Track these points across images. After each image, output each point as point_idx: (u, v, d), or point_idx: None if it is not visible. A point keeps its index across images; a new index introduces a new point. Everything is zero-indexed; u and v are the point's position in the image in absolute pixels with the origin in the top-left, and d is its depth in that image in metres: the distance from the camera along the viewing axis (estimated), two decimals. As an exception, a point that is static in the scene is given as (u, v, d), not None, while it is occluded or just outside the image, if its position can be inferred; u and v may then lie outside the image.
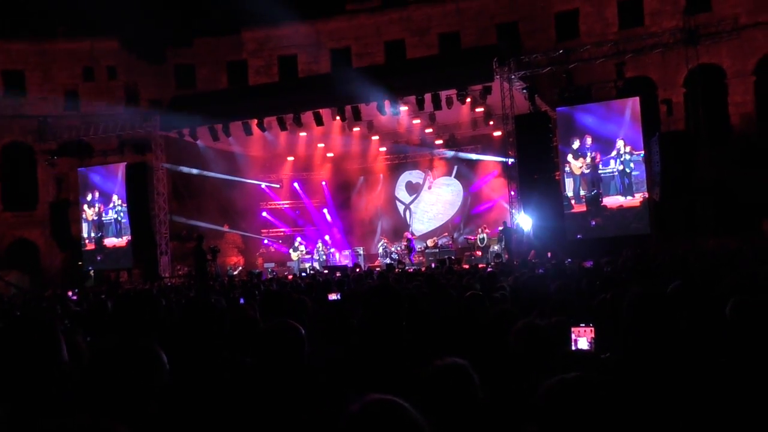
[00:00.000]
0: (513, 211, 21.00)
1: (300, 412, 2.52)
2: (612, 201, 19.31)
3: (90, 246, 25.18)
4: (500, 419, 2.90)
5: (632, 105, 19.30)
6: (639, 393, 2.76)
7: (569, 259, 15.08)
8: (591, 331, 3.08)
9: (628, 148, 19.08)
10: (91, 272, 25.53)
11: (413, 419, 1.57)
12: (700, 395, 2.83)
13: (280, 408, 2.60)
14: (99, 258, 25.05)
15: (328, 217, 29.43)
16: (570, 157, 19.80)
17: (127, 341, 2.37)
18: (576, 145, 19.73)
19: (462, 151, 26.83)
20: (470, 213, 27.35)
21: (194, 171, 24.57)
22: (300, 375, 2.80)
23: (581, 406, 2.02)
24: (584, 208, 19.63)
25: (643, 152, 18.97)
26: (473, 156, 26.24)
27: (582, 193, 19.66)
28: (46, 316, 2.25)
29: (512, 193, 21.19)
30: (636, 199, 19.07)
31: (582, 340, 3.08)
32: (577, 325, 3.11)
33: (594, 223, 19.45)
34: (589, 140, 19.57)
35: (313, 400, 2.62)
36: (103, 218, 24.89)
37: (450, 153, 26.83)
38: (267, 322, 3.26)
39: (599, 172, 19.44)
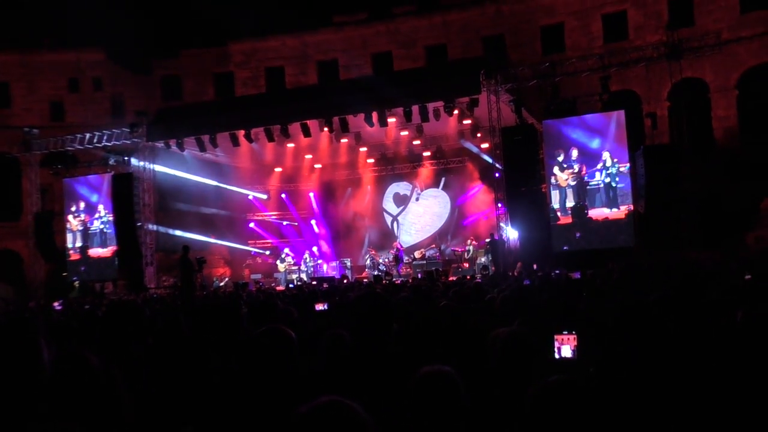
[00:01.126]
0: (500, 223, 21.08)
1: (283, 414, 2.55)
2: (597, 213, 19.45)
3: (75, 256, 25.01)
4: (485, 425, 2.94)
5: (617, 118, 19.48)
6: (623, 397, 2.81)
7: (557, 271, 15.16)
8: (574, 339, 3.12)
9: (614, 161, 19.25)
10: (76, 283, 25.35)
11: (361, 420, 1.58)
12: (689, 401, 2.88)
13: (266, 412, 2.63)
14: (83, 269, 24.87)
15: (316, 229, 29.43)
16: (556, 169, 19.94)
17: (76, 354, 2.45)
18: (562, 157, 19.88)
19: (449, 163, 26.97)
20: (458, 224, 27.42)
21: (181, 174, 24.39)
22: (289, 380, 2.83)
23: (567, 409, 2.05)
24: (570, 220, 19.75)
25: (628, 165, 19.15)
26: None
27: (568, 205, 19.79)
28: (28, 322, 2.27)
29: (499, 205, 21.27)
30: (621, 212, 19.21)
31: (565, 347, 3.12)
32: (560, 333, 3.15)
33: (579, 235, 19.56)
34: (575, 153, 19.72)
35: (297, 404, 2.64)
36: (88, 228, 24.75)
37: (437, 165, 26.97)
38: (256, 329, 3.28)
39: (585, 184, 19.59)
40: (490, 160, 22.50)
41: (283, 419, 1.62)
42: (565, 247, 19.62)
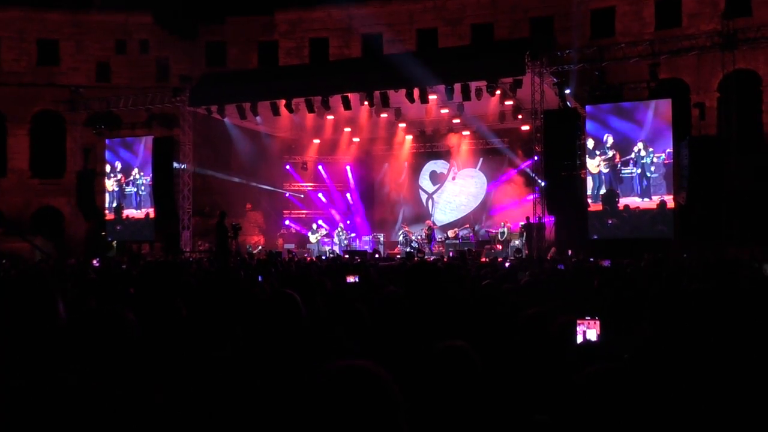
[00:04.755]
0: (536, 207, 20.96)
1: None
2: (630, 202, 19.21)
3: (111, 216, 25.53)
4: (506, 405, 2.98)
5: (662, 107, 19.14)
6: (664, 386, 2.82)
7: (591, 258, 15.07)
8: (597, 324, 3.14)
9: (649, 150, 18.94)
10: (113, 243, 25.93)
11: (385, 387, 1.53)
12: (726, 390, 2.89)
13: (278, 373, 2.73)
14: (119, 228, 25.37)
15: (351, 202, 29.56)
16: (593, 156, 19.71)
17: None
18: (601, 143, 19.63)
19: (488, 143, 26.81)
20: (493, 206, 27.29)
21: (219, 138, 24.59)
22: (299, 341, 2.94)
23: (618, 398, 2.01)
24: (600, 207, 19.55)
25: (663, 155, 18.84)
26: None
27: (601, 192, 19.58)
28: (42, 273, 2.32)
29: (537, 188, 21.14)
30: (653, 202, 18.95)
31: (589, 332, 3.15)
32: (583, 318, 3.17)
33: (611, 222, 19.35)
34: (614, 139, 19.45)
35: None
36: (124, 189, 25.20)
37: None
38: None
39: (619, 171, 19.34)
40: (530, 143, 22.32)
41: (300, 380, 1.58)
42: (594, 236, 19.44)
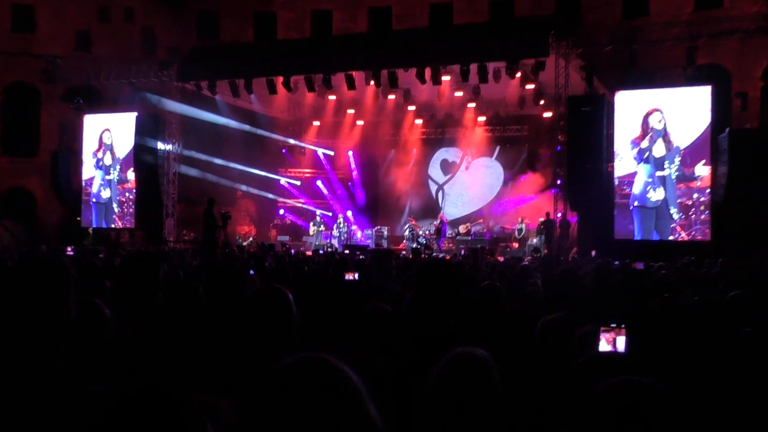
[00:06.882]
0: (558, 202, 20.92)
1: None
2: (664, 199, 19.15)
3: (89, 200, 25.55)
4: (522, 419, 2.97)
5: (701, 95, 19.06)
6: (694, 404, 2.81)
7: (617, 262, 15.01)
8: (623, 332, 3.12)
9: (687, 142, 18.88)
10: (90, 230, 25.96)
11: (348, 382, 1.57)
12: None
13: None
14: (97, 213, 25.40)
15: (352, 191, 29.57)
16: (624, 148, 19.64)
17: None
18: (633, 134, 19.56)
19: (506, 131, 26.75)
20: (510, 199, 27.23)
21: (210, 119, 24.51)
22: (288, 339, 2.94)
23: (636, 413, 2.00)
24: (630, 204, 19.50)
25: (699, 147, 18.81)
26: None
27: (635, 188, 19.52)
28: (60, 258, 2.33)
29: (558, 181, 21.09)
30: (690, 200, 18.92)
31: (617, 340, 3.13)
32: (608, 326, 3.15)
33: (639, 221, 19.30)
34: (648, 130, 19.39)
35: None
36: (106, 171, 25.21)
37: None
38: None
39: (654, 166, 19.28)
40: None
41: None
42: (618, 237, 19.43)
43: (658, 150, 19.22)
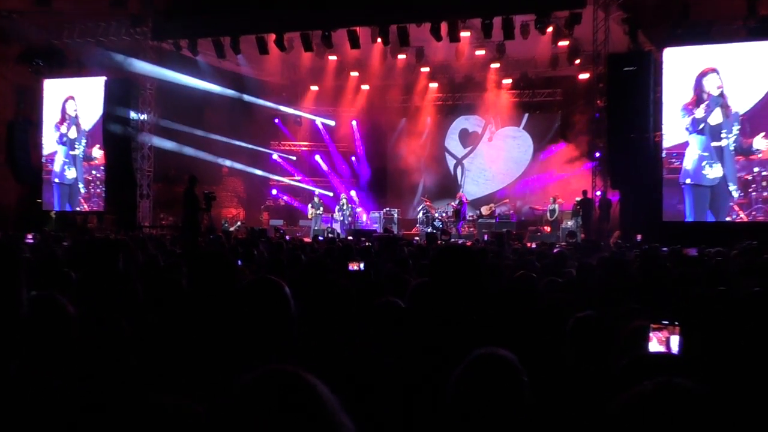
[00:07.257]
0: (596, 178, 20.87)
1: None
2: (722, 176, 19.08)
3: (52, 179, 25.61)
4: (554, 429, 2.97)
5: (764, 52, 18.96)
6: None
7: (665, 248, 15.00)
8: (676, 330, 3.11)
9: (747, 107, 18.78)
10: (52, 213, 26.02)
11: (319, 397, 1.56)
12: None
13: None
14: (60, 195, 25.46)
15: (357, 167, 29.58)
16: (674, 115, 19.55)
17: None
18: (686, 98, 19.46)
19: (536, 95, 26.67)
20: (541, 175, 27.18)
21: (192, 84, 24.50)
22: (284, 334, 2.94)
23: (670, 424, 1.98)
24: (681, 180, 19.43)
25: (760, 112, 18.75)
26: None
27: (687, 163, 19.45)
28: (7, 244, 2.33)
29: (597, 154, 21.04)
30: (751, 175, 18.85)
31: (670, 339, 3.12)
32: (659, 323, 3.13)
33: (692, 200, 19.24)
34: (702, 94, 19.29)
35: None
36: (71, 145, 25.24)
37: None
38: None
39: (710, 137, 19.19)
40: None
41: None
42: (667, 218, 19.39)
43: (715, 118, 19.11)
